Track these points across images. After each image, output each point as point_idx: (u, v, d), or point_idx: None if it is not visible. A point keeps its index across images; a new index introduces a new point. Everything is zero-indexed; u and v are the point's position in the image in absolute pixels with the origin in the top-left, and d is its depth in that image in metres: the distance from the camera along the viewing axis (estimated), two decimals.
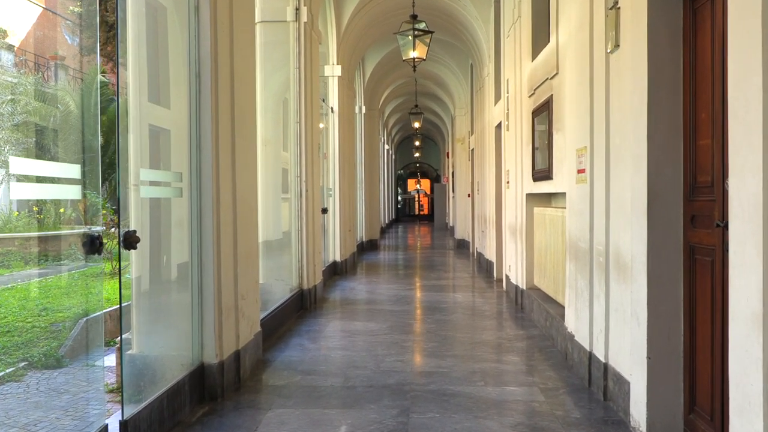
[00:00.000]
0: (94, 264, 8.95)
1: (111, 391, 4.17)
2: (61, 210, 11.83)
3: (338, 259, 10.32)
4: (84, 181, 2.84)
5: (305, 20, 6.96)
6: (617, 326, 3.62)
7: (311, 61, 7.32)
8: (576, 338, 4.36)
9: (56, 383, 4.33)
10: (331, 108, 10.25)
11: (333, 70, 10.04)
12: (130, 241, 2.86)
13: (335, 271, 10.22)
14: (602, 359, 3.82)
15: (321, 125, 9.72)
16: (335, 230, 10.29)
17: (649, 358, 3.09)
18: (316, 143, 7.58)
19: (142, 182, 3.34)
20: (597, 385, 3.90)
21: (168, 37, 3.93)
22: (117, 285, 5.10)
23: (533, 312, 6.19)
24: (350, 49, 10.74)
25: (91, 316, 5.24)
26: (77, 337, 4.93)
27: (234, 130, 4.16)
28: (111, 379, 4.29)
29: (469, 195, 14.21)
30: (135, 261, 3.77)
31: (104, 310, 5.40)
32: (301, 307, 6.95)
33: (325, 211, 9.07)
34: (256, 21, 6.76)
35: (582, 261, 4.24)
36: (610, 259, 3.73)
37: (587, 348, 4.09)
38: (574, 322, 4.45)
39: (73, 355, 4.82)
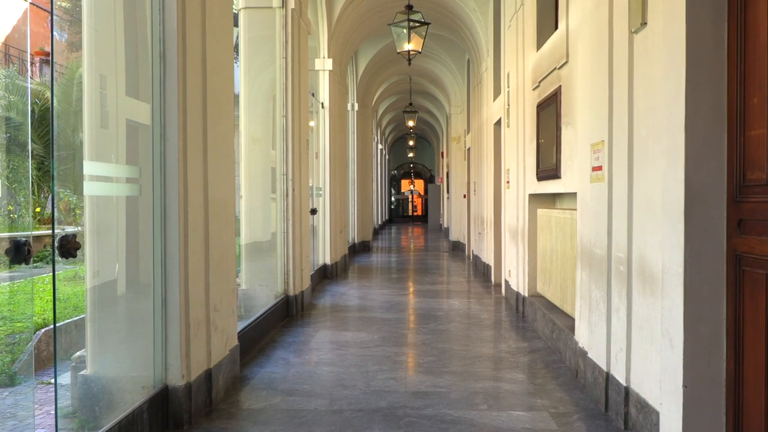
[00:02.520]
0: (71, 267, 8.43)
1: (67, 416, 3.68)
2: (37, 209, 11.29)
3: (328, 262, 9.83)
4: (8, 176, 2.36)
5: (293, 7, 6.48)
6: (642, 346, 3.15)
7: (299, 52, 6.83)
8: (590, 356, 3.90)
9: (3, 405, 3.83)
10: (322, 104, 9.77)
11: (324, 64, 9.55)
12: (67, 247, 2.37)
13: (325, 275, 9.73)
14: (623, 382, 3.36)
15: (311, 123, 9.24)
16: (325, 232, 9.80)
17: (685, 387, 2.63)
18: (305, 139, 7.09)
19: (88, 177, 2.84)
20: (616, 410, 3.44)
21: (147, 22, 3.44)
22: (80, 290, 4.58)
23: (536, 321, 5.73)
24: (342, 42, 10.26)
25: (48, 327, 4.74)
26: (33, 351, 4.43)
27: (206, 120, 3.67)
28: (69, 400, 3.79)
29: (465, 196, 13.75)
30: (90, 269, 3.29)
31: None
32: (287, 315, 6.47)
33: (314, 211, 8.58)
34: (241, 7, 6.30)
35: (597, 269, 3.77)
36: (634, 268, 3.27)
37: (604, 368, 3.63)
38: (587, 338, 3.98)
39: (28, 372, 4.32)
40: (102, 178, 2.99)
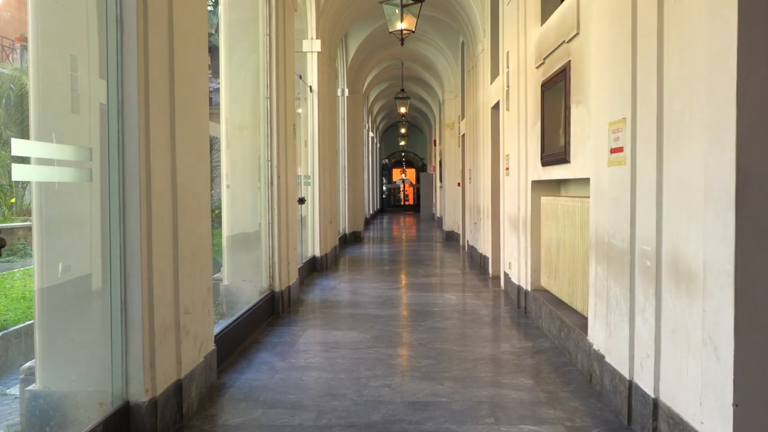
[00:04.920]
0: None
1: None
2: (12, 200, 10.73)
3: (318, 254, 9.38)
4: None
5: None
6: (675, 353, 2.74)
7: (284, 29, 6.35)
8: (608, 360, 3.49)
9: None
10: (310, 87, 9.28)
11: (312, 45, 9.06)
12: None
13: (314, 268, 9.29)
14: (650, 393, 2.95)
15: (299, 111, 8.77)
16: (314, 222, 9.35)
17: (735, 405, 2.22)
18: (291, 123, 6.62)
19: (18, 159, 2.37)
20: (642, 424, 3.03)
21: None
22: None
23: (541, 319, 5.32)
24: (331, 22, 9.76)
25: (5, 331, 4.30)
26: None
27: (173, 96, 3.21)
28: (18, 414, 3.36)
29: (459, 184, 13.33)
30: (38, 268, 2.85)
31: None
32: (273, 312, 6.03)
33: (302, 201, 8.13)
34: None
35: (618, 264, 3.36)
36: (664, 263, 2.85)
37: (626, 375, 3.22)
38: (605, 340, 3.57)
39: None
40: (38, 161, 2.53)
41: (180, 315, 3.28)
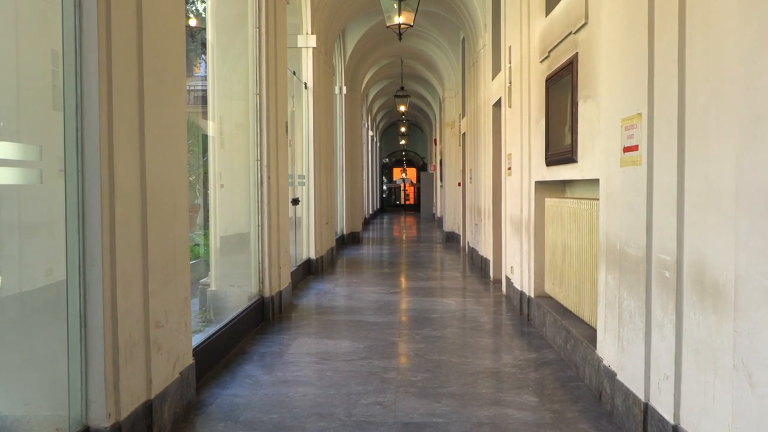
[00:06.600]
0: None
1: None
2: None
3: (313, 256, 9.08)
4: None
5: None
6: (699, 376, 2.44)
7: (276, 21, 6.05)
8: (620, 378, 3.19)
9: None
10: (305, 84, 8.98)
11: (307, 41, 8.76)
12: None
13: (309, 271, 8.99)
14: (669, 419, 2.65)
15: (292, 109, 8.48)
16: (309, 223, 9.04)
17: None
18: (282, 121, 6.32)
19: None
20: None
21: None
22: None
23: (545, 327, 5.02)
24: (327, 17, 9.45)
25: None
26: None
27: (143, 88, 2.91)
28: None
29: (459, 184, 13.03)
30: None
31: None
32: (262, 319, 5.73)
33: (296, 202, 7.84)
34: None
35: (631, 273, 3.06)
36: (686, 275, 2.55)
37: (640, 397, 2.92)
38: (617, 356, 3.27)
39: None
40: None
41: (150, 329, 2.98)
